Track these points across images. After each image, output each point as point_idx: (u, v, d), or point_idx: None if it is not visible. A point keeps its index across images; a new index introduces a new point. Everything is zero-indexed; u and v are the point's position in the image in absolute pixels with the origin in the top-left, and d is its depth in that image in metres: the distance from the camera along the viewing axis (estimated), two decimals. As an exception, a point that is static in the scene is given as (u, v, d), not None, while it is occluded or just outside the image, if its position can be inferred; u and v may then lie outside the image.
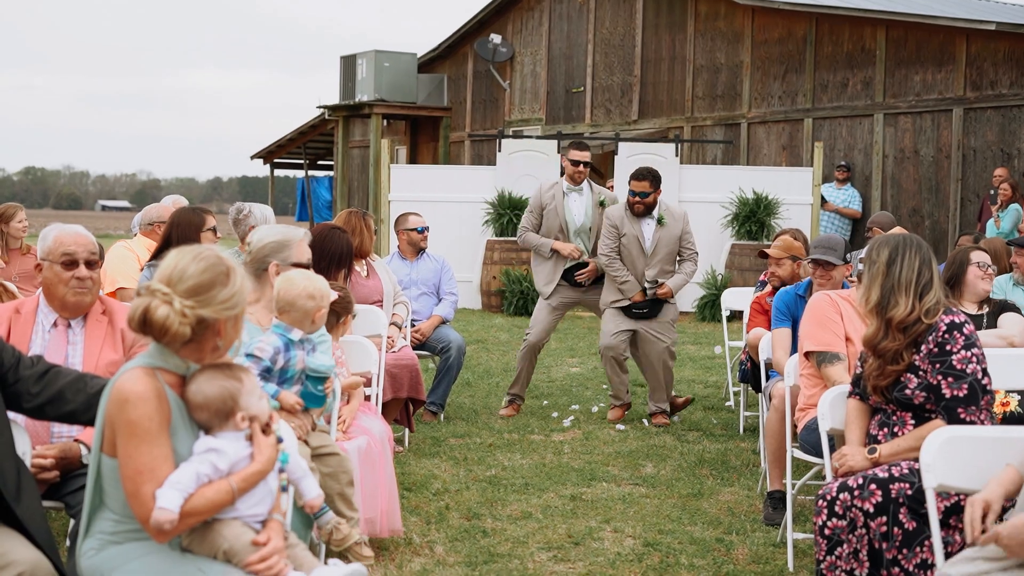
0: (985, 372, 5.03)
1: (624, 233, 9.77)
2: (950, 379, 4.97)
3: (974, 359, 5.01)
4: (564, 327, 16.91)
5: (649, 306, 9.82)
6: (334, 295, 6.58)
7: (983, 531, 4.20)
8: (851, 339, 6.27)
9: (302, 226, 8.13)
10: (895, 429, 5.12)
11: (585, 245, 10.23)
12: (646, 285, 9.73)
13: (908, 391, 5.05)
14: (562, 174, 10.34)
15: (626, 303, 9.80)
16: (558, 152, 19.44)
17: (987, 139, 18.21)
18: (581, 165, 10.08)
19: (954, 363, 4.99)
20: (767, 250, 8.83)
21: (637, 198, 9.76)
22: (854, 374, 5.40)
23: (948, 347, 5.01)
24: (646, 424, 9.87)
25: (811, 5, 20.82)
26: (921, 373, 5.05)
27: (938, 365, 5.00)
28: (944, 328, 5.04)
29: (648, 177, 9.79)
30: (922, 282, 5.11)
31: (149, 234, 9.09)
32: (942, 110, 18.72)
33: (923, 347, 5.06)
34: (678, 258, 9.97)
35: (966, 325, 5.08)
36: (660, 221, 9.81)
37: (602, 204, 10.20)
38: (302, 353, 5.35)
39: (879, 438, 5.14)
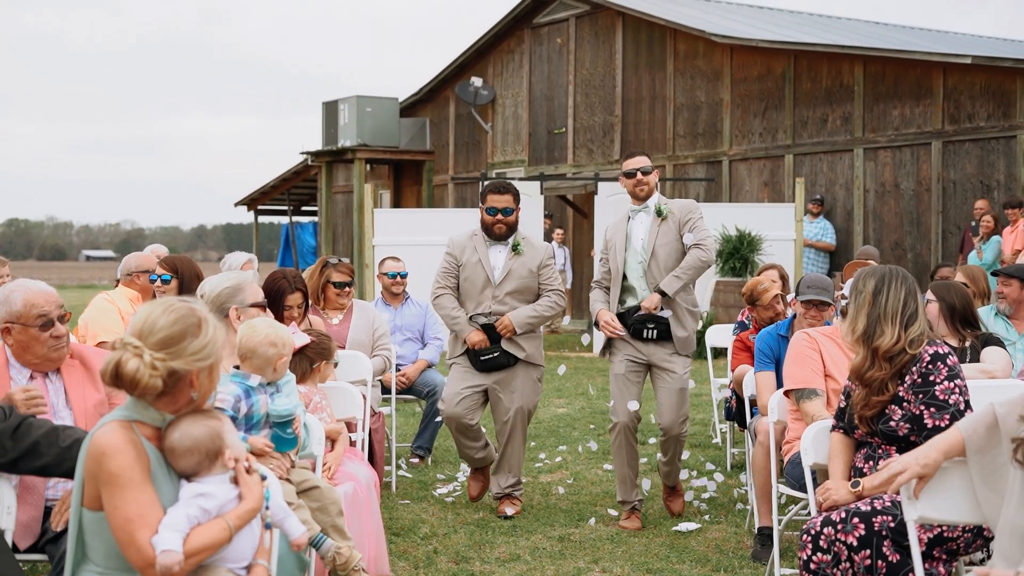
0: (968, 404, 5.06)
1: (463, 263, 8.29)
2: (932, 409, 5.00)
3: (957, 390, 5.04)
4: (550, 367, 16.88)
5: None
6: (305, 339, 6.59)
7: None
8: (831, 374, 6.31)
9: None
10: (880, 462, 5.13)
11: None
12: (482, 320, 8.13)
13: (893, 423, 5.08)
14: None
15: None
16: (541, 193, 19.50)
17: (966, 171, 18.31)
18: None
19: (937, 394, 5.02)
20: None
21: (499, 216, 8.23)
22: (837, 408, 5.42)
23: (931, 377, 5.04)
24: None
25: (789, 42, 20.97)
26: (905, 404, 5.07)
27: (921, 396, 5.03)
28: (928, 359, 5.07)
29: (511, 190, 8.29)
30: (907, 313, 5.15)
31: (129, 284, 9.07)
32: (921, 143, 18.82)
33: (907, 378, 5.08)
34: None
35: (949, 356, 5.11)
36: (516, 248, 8.21)
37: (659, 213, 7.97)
38: (264, 397, 5.34)
39: (864, 471, 5.16)
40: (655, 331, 7.84)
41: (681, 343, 7.87)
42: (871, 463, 5.16)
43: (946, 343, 6.84)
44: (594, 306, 8.09)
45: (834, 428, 5.40)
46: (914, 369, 5.08)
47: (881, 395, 5.11)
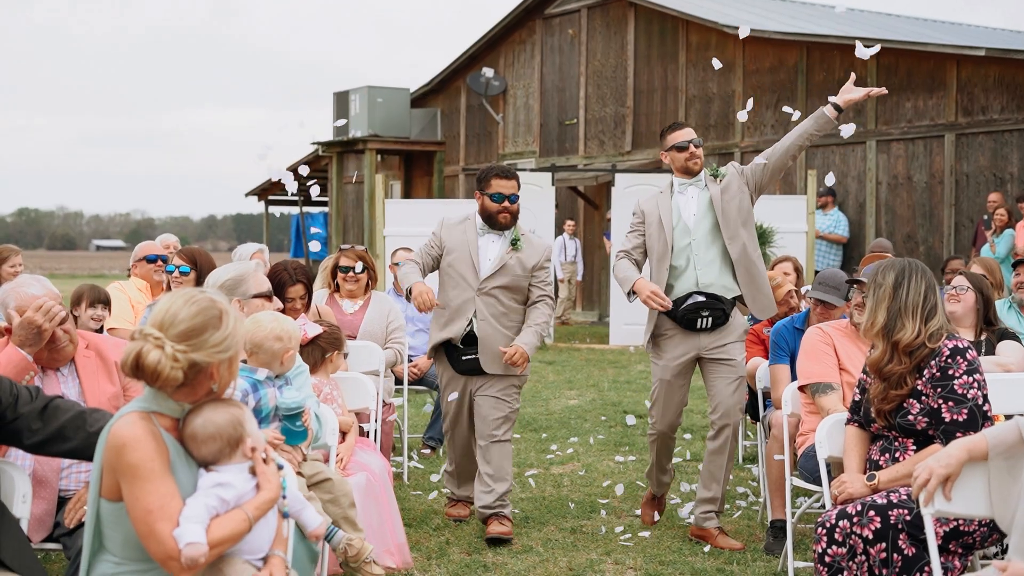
0: (986, 398, 5.03)
1: (454, 249, 7.48)
2: (950, 403, 4.98)
3: (975, 384, 5.01)
4: (561, 359, 16.90)
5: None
6: (318, 329, 6.56)
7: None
8: (845, 368, 6.29)
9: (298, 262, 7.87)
10: (897, 455, 5.12)
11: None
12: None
13: (911, 417, 5.06)
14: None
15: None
16: (552, 184, 19.48)
17: (979, 164, 18.25)
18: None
19: (955, 387, 4.99)
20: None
21: (505, 204, 7.41)
22: (852, 401, 5.40)
23: (950, 371, 5.02)
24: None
25: (802, 34, 20.90)
26: (924, 398, 5.05)
27: (939, 389, 5.01)
28: (947, 353, 5.05)
29: (516, 176, 7.51)
30: (928, 306, 5.11)
31: (135, 271, 9.16)
32: (934, 136, 18.77)
33: (925, 371, 5.06)
34: (528, 298, 7.50)
35: (969, 351, 5.08)
36: (515, 244, 7.43)
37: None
38: (272, 391, 5.31)
39: (881, 464, 5.15)
40: (710, 319, 7.06)
41: (738, 325, 7.22)
42: (887, 456, 5.15)
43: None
44: (627, 274, 7.17)
45: (849, 421, 5.38)
46: (933, 363, 5.05)
47: (899, 389, 5.09)
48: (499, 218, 7.37)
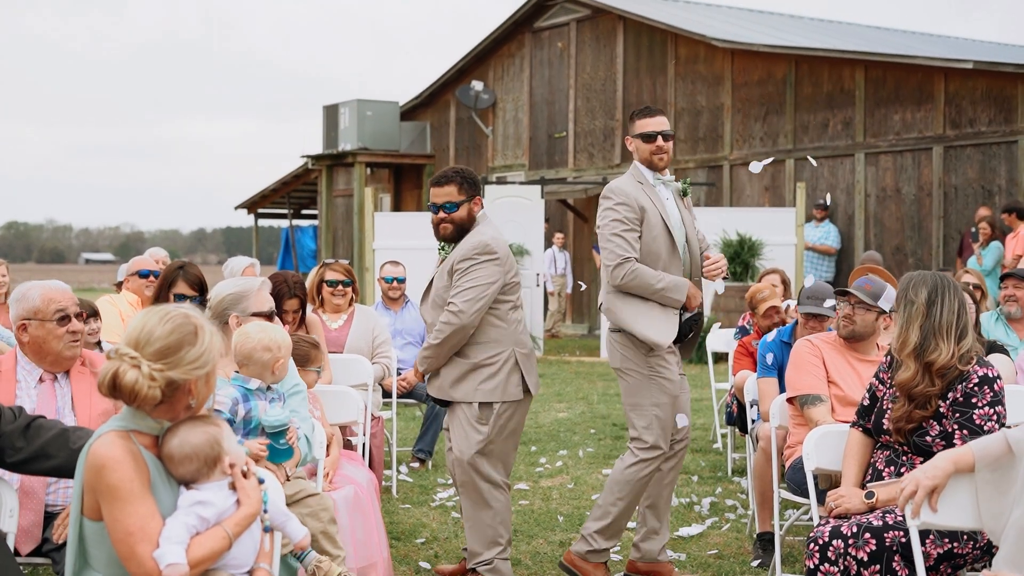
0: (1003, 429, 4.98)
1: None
2: (965, 432, 4.89)
3: (995, 417, 4.92)
4: (551, 372, 16.89)
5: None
6: None
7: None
8: (833, 381, 6.26)
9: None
10: (903, 470, 5.02)
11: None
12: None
13: (928, 438, 4.98)
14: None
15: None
16: (541, 197, 19.51)
17: (967, 176, 18.30)
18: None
19: (975, 417, 4.91)
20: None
21: (440, 214, 6.37)
22: (860, 406, 5.31)
23: (974, 399, 4.93)
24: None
25: (790, 47, 20.96)
26: (944, 421, 4.97)
27: (959, 415, 4.92)
28: (976, 380, 4.95)
29: (455, 180, 6.35)
30: (961, 325, 4.97)
31: (126, 287, 9.16)
32: (922, 148, 18.82)
33: (950, 394, 4.97)
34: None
35: (997, 381, 4.98)
36: (441, 251, 6.48)
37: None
38: (264, 403, 5.28)
39: (884, 475, 5.07)
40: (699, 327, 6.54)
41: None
42: (892, 468, 5.06)
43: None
44: (672, 281, 6.29)
45: (854, 425, 5.29)
46: (959, 387, 4.95)
47: (924, 410, 4.98)
48: (439, 229, 6.40)
